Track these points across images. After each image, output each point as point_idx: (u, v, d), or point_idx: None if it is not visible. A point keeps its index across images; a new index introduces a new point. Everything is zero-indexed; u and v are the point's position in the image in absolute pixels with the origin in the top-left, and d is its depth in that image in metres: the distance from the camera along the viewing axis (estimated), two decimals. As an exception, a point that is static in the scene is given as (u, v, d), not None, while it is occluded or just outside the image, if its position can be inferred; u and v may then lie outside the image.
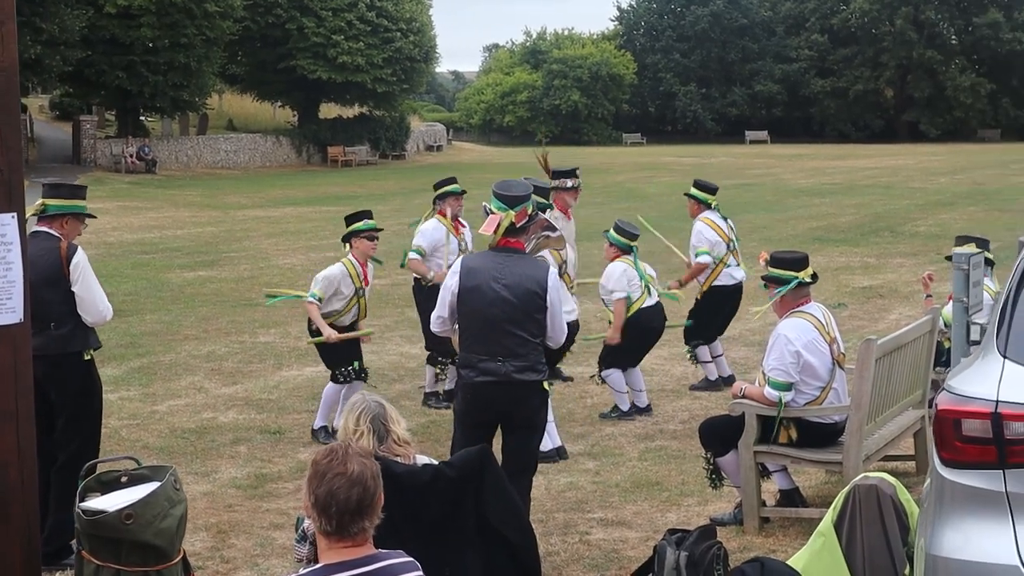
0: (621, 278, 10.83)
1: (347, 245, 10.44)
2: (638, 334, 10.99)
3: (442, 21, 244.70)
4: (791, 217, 31.28)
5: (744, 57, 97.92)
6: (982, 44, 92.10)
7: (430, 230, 11.51)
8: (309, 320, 10.55)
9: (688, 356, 12.38)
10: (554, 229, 7.56)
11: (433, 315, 7.23)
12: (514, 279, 6.86)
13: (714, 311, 12.22)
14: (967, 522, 4.15)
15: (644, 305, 10.96)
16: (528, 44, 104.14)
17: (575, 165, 11.88)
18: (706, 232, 12.02)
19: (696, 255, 12.01)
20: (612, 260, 10.99)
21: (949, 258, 9.92)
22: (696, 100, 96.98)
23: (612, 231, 11.08)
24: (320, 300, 10.19)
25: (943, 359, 10.17)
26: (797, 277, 7.92)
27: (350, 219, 10.48)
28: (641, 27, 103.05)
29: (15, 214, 4.35)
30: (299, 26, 59.99)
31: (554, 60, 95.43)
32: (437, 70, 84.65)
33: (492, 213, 7.05)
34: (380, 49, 61.44)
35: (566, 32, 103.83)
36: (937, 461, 4.30)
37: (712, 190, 12.36)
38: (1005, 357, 4.26)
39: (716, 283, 12.09)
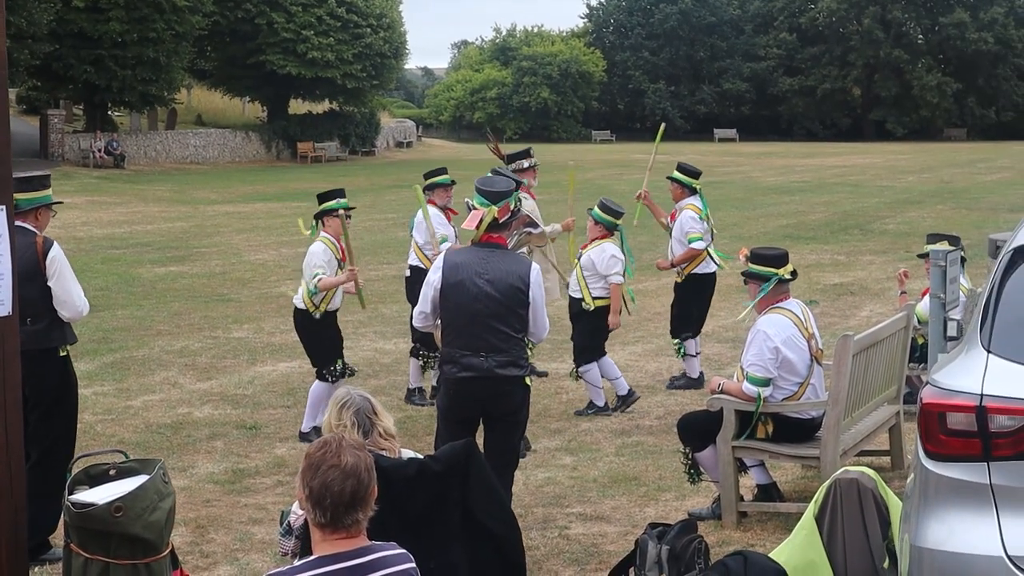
0: (612, 262, 10.86)
1: (319, 223, 10.37)
2: (602, 322, 11.05)
3: (411, 17, 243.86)
4: (761, 215, 31.43)
5: (713, 55, 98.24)
6: (948, 44, 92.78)
7: (434, 215, 11.42)
8: (295, 318, 10.47)
9: (676, 350, 12.28)
10: (536, 225, 7.60)
11: (415, 310, 7.26)
12: (497, 274, 6.89)
13: (696, 300, 12.18)
14: (952, 514, 4.20)
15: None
16: (498, 41, 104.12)
17: (527, 145, 11.77)
18: (697, 219, 11.97)
19: (690, 241, 11.89)
20: (596, 239, 11.00)
21: (924, 256, 10.04)
22: (665, 98, 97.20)
23: (597, 209, 11.08)
24: (326, 273, 10.05)
25: (916, 355, 10.28)
26: (777, 274, 7.98)
27: (323, 197, 10.47)
28: (610, 25, 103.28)
29: (3, 207, 4.35)
30: (269, 21, 59.68)
31: (524, 57, 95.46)
32: (406, 66, 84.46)
33: (475, 209, 7.07)
34: (350, 45, 61.23)
35: (535, 29, 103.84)
36: (922, 454, 4.35)
37: (696, 174, 12.24)
38: (989, 351, 4.31)
39: (695, 271, 12.07)
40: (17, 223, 7.09)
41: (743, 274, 8.28)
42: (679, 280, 12.24)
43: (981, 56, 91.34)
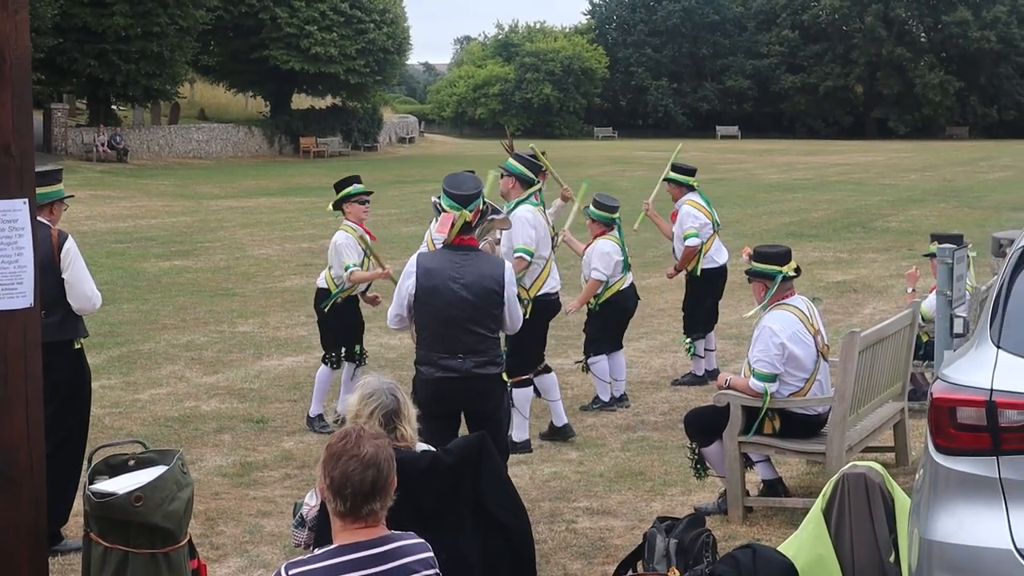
0: (605, 258, 10.92)
1: (340, 212, 10.46)
2: (615, 314, 11.14)
3: (413, 12, 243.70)
4: (764, 212, 31.47)
5: (715, 52, 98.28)
6: (951, 42, 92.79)
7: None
8: (316, 297, 10.60)
9: (687, 350, 12.33)
10: (498, 212, 7.58)
11: (390, 312, 7.21)
12: (472, 278, 6.89)
13: (705, 295, 12.25)
14: (961, 507, 4.26)
15: (622, 287, 11.12)
16: (500, 37, 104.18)
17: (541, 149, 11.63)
18: (695, 214, 12.06)
19: (685, 238, 11.98)
20: (597, 236, 11.07)
21: (931, 255, 10.09)
22: (667, 95, 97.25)
23: (592, 207, 11.16)
24: (358, 265, 10.19)
25: (920, 352, 10.34)
26: (780, 271, 8.03)
27: (340, 184, 10.54)
28: (613, 21, 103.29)
29: (26, 200, 4.41)
30: (272, 16, 59.79)
31: (526, 53, 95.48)
32: (409, 62, 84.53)
33: (444, 211, 7.05)
34: (353, 40, 61.33)
35: (538, 25, 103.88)
36: (932, 448, 4.40)
37: (691, 172, 12.40)
38: (999, 347, 4.37)
39: (703, 266, 12.12)
40: (34, 217, 7.17)
41: (747, 272, 8.35)
42: (688, 277, 12.28)
43: (983, 54, 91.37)
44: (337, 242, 10.27)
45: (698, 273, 12.13)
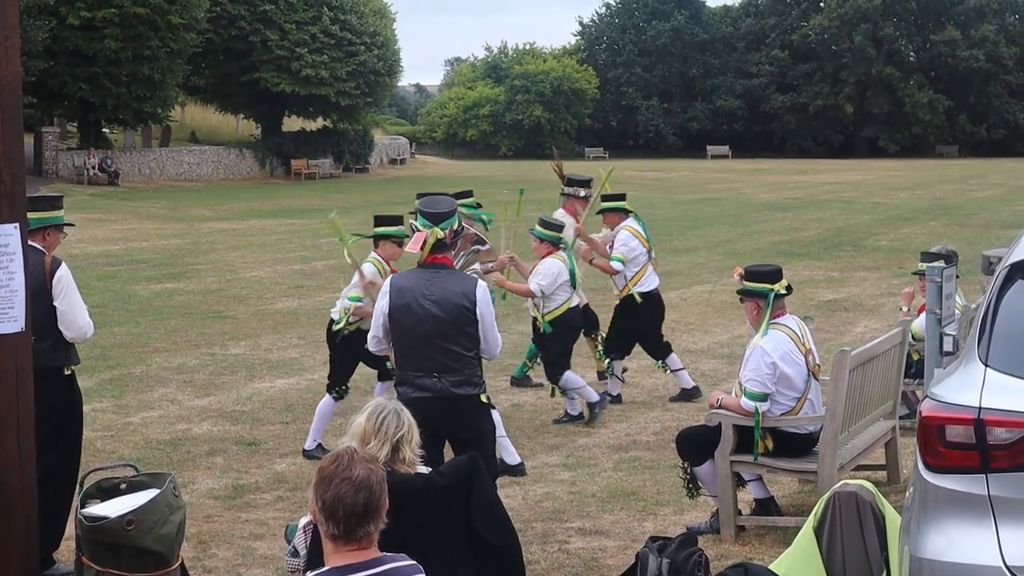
0: (550, 275, 10.98)
1: (375, 244, 10.35)
2: (565, 332, 11.23)
3: (403, 34, 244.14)
4: (755, 231, 31.53)
5: (705, 72, 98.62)
6: (940, 61, 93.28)
7: None
8: (328, 329, 10.48)
9: (658, 366, 12.39)
10: (483, 243, 7.62)
11: (368, 335, 7.28)
12: (442, 294, 6.92)
13: (641, 319, 12.20)
14: (950, 525, 4.28)
15: (572, 305, 11.19)
16: (489, 59, 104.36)
17: (590, 176, 12.12)
18: (630, 242, 12.02)
19: (612, 260, 11.97)
20: (544, 256, 11.11)
21: (919, 273, 10.13)
22: (658, 115, 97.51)
23: (538, 227, 11.18)
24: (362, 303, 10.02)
25: (911, 371, 10.36)
26: (772, 289, 8.06)
27: (381, 221, 10.45)
28: (603, 42, 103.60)
29: (17, 225, 4.42)
30: (263, 39, 59.87)
31: (516, 75, 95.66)
32: (399, 83, 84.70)
33: (418, 231, 7.10)
34: (344, 62, 61.42)
35: (527, 47, 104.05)
36: (921, 466, 4.42)
37: (623, 197, 12.54)
38: (987, 365, 4.40)
39: (637, 289, 12.04)
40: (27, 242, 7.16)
41: (739, 292, 8.37)
42: (620, 299, 12.21)
43: (972, 73, 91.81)
44: (364, 270, 10.03)
45: (637, 299, 12.07)
